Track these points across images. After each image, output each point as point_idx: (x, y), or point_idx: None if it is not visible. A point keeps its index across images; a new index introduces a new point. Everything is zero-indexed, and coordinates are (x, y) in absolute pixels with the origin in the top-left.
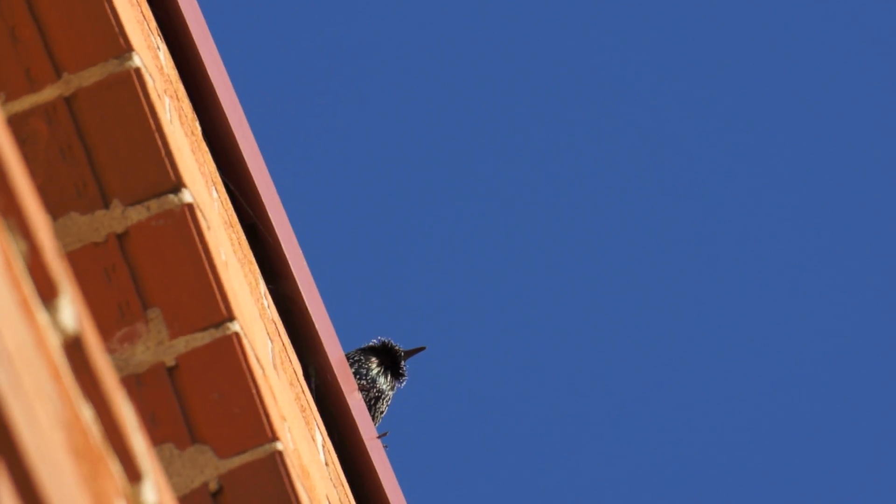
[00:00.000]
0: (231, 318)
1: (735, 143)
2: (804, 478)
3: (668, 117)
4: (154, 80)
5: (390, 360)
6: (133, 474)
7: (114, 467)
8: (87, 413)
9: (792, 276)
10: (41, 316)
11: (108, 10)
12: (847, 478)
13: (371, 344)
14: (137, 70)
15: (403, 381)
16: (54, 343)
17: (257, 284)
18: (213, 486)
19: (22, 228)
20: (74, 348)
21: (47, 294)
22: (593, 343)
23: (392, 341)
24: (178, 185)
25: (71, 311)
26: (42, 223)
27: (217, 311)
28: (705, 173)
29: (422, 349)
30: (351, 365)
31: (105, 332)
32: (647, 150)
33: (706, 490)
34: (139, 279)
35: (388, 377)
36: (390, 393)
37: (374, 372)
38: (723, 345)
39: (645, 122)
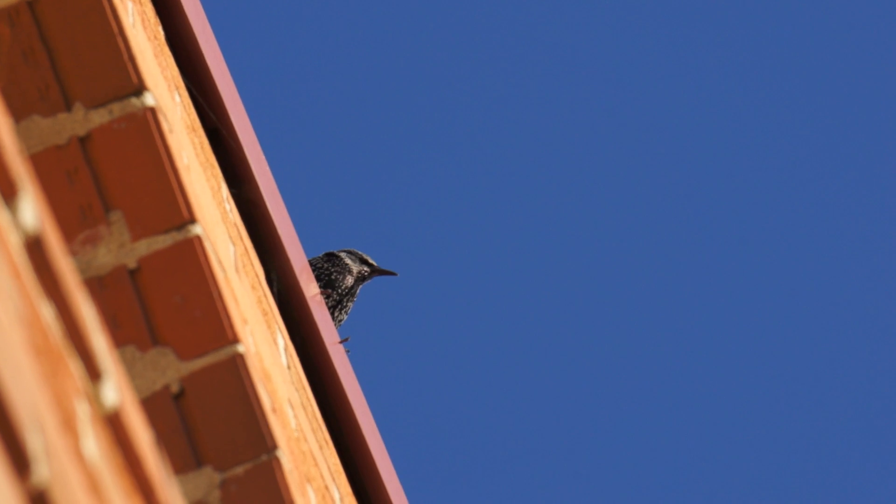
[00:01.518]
0: (193, 220)
1: (735, 142)
2: (804, 478)
3: (667, 117)
4: None
5: (356, 264)
6: (93, 373)
7: (74, 366)
8: (47, 311)
9: (792, 276)
10: (2, 214)
11: None
12: (848, 478)
13: (338, 251)
14: None
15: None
16: (14, 241)
17: (220, 188)
18: (174, 388)
19: None
20: (35, 248)
21: (7, 193)
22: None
23: (365, 254)
24: (140, 89)
25: (32, 210)
26: (3, 123)
27: (179, 213)
28: (706, 173)
29: (393, 274)
30: (315, 269)
31: (67, 234)
32: (647, 150)
33: (707, 490)
34: (101, 182)
35: (352, 274)
36: (356, 288)
37: (338, 275)
38: (724, 345)
39: (645, 121)
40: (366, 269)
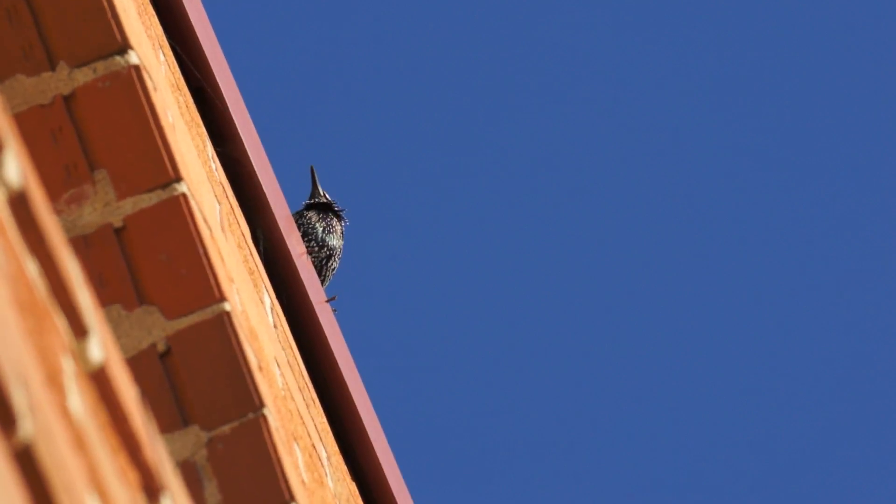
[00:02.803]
0: (178, 179)
1: (735, 142)
2: (804, 478)
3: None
4: None
5: (325, 210)
6: (79, 330)
7: (59, 322)
8: (32, 268)
9: (792, 276)
10: None
11: None
12: (847, 478)
13: (311, 200)
14: None
15: (345, 224)
16: None
17: (205, 147)
18: (160, 346)
19: None
20: (19, 204)
21: None
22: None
23: (320, 196)
24: (124, 47)
25: (15, 166)
26: None
27: (164, 172)
28: (705, 173)
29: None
30: (298, 228)
31: (52, 193)
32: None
33: (709, 490)
34: (86, 141)
35: (335, 232)
36: (339, 246)
37: (321, 231)
38: (729, 346)
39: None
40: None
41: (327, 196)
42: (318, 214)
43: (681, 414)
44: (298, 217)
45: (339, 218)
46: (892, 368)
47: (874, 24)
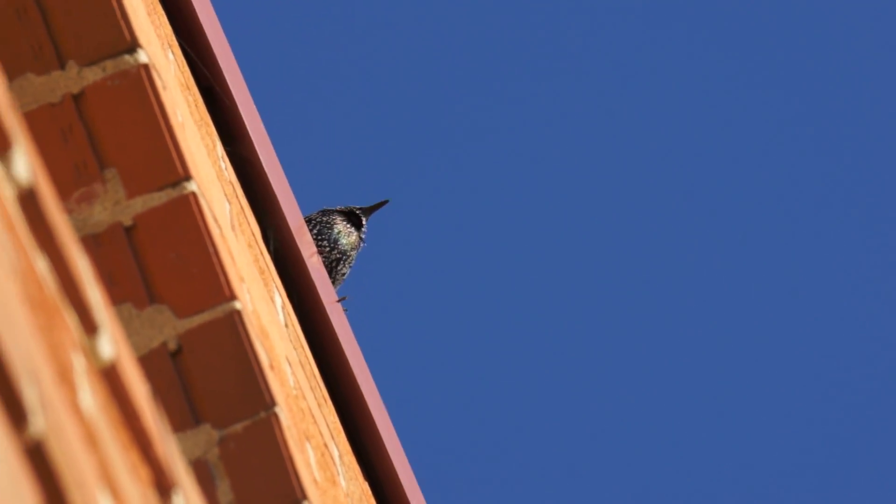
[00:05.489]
0: (188, 177)
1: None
2: (804, 478)
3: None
4: None
5: (353, 221)
6: (89, 326)
7: (70, 319)
8: (41, 264)
9: (792, 276)
10: None
11: None
12: (848, 478)
13: (335, 207)
14: None
15: (363, 234)
16: (8, 194)
17: (214, 147)
18: (171, 345)
19: None
20: (29, 200)
21: (0, 146)
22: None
23: (355, 206)
24: (133, 46)
25: (24, 162)
26: None
27: (174, 170)
28: (706, 173)
29: (384, 203)
30: (313, 227)
31: (62, 192)
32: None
33: (709, 490)
34: (96, 139)
35: (350, 237)
36: (353, 254)
37: (336, 232)
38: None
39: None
40: (361, 232)
41: (364, 226)
42: (343, 221)
43: (687, 414)
44: (325, 214)
45: (360, 237)
46: (892, 369)
47: (874, 24)
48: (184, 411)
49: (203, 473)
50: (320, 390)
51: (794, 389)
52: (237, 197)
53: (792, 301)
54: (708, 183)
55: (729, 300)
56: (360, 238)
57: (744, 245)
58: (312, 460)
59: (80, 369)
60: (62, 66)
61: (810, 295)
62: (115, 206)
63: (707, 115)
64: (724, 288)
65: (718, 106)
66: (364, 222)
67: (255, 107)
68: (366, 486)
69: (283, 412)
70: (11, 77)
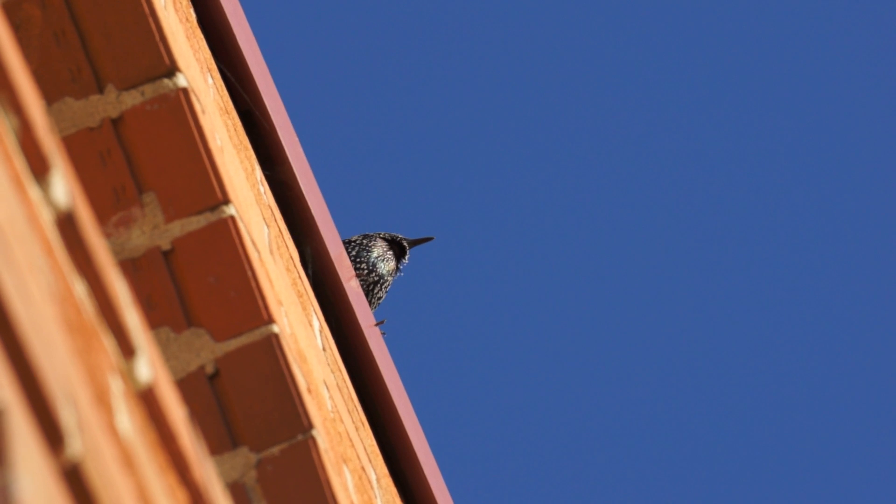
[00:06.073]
0: (226, 201)
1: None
2: (803, 478)
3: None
4: None
5: (395, 248)
6: (127, 350)
7: (107, 342)
8: (79, 287)
9: (792, 276)
10: (33, 191)
11: None
12: (847, 478)
13: (379, 233)
14: None
15: (404, 264)
16: (46, 218)
17: (253, 170)
18: (209, 369)
19: (13, 104)
20: (67, 224)
21: (39, 169)
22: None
23: (399, 235)
24: (172, 70)
25: (63, 186)
26: (33, 99)
27: (212, 194)
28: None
29: (430, 239)
30: (351, 249)
31: (101, 216)
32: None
33: (710, 491)
34: (134, 163)
35: (389, 263)
36: (390, 279)
37: (374, 256)
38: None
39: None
40: (402, 262)
41: (407, 256)
42: (384, 246)
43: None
44: (367, 238)
45: (398, 267)
46: (892, 368)
47: (874, 25)
48: (221, 434)
49: (240, 496)
50: (358, 414)
51: (794, 389)
52: (276, 220)
53: (792, 301)
54: (708, 183)
55: (735, 300)
56: (398, 267)
57: (743, 245)
58: (350, 483)
59: (118, 392)
60: (101, 91)
61: (810, 295)
62: (154, 230)
63: (707, 115)
64: (736, 287)
65: (718, 106)
66: (407, 253)
67: (293, 130)
68: None
69: (320, 435)
70: (50, 101)
